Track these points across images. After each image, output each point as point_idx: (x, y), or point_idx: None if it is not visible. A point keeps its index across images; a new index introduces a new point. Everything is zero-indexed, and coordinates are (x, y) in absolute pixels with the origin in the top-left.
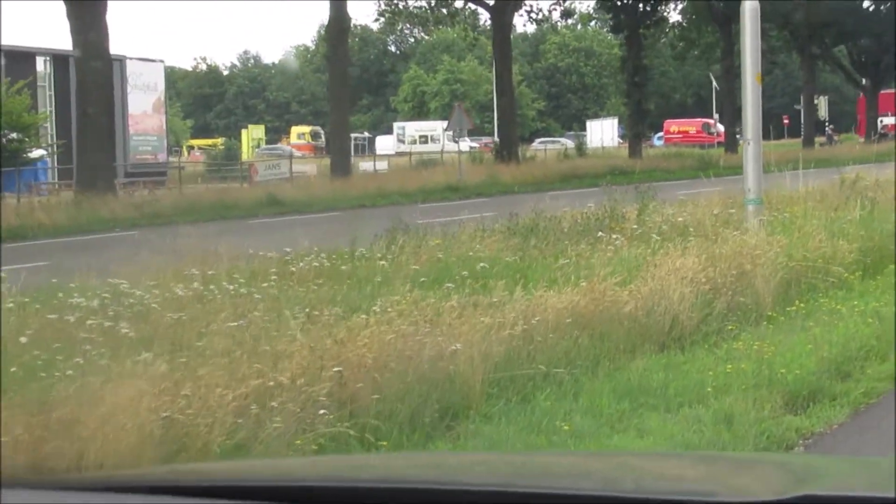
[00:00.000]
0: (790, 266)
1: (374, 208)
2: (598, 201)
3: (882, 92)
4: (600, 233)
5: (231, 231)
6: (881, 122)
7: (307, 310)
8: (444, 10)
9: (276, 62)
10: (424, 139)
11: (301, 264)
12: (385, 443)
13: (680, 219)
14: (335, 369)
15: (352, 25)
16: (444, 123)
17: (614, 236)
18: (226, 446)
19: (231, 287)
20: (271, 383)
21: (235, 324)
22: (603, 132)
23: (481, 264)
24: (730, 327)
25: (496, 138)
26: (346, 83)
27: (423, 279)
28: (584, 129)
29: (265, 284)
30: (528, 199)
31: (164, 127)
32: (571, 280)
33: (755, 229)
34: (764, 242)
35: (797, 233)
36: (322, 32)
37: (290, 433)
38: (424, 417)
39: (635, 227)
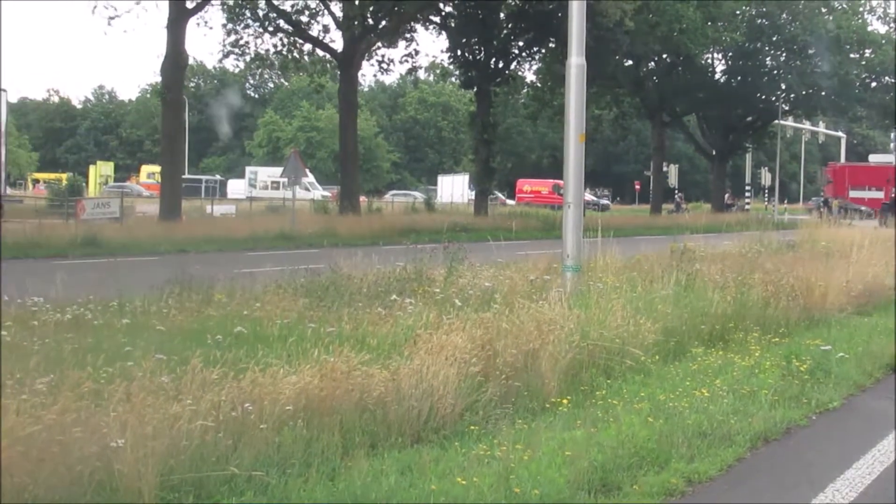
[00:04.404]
0: (583, 346)
1: (196, 254)
2: (418, 259)
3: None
4: (394, 296)
5: (17, 271)
6: (727, 194)
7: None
8: (291, 55)
9: (133, 99)
10: (276, 185)
11: (58, 315)
12: None
13: (487, 284)
14: None
15: (212, 68)
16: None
17: (408, 300)
18: None
19: None
20: None
21: None
22: (454, 187)
23: (238, 328)
24: (472, 421)
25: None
26: (180, 122)
27: (175, 341)
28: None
29: None
30: (356, 253)
31: (2, 159)
32: (315, 355)
33: (554, 300)
34: (561, 317)
35: (596, 308)
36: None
37: None
38: None
39: (437, 290)
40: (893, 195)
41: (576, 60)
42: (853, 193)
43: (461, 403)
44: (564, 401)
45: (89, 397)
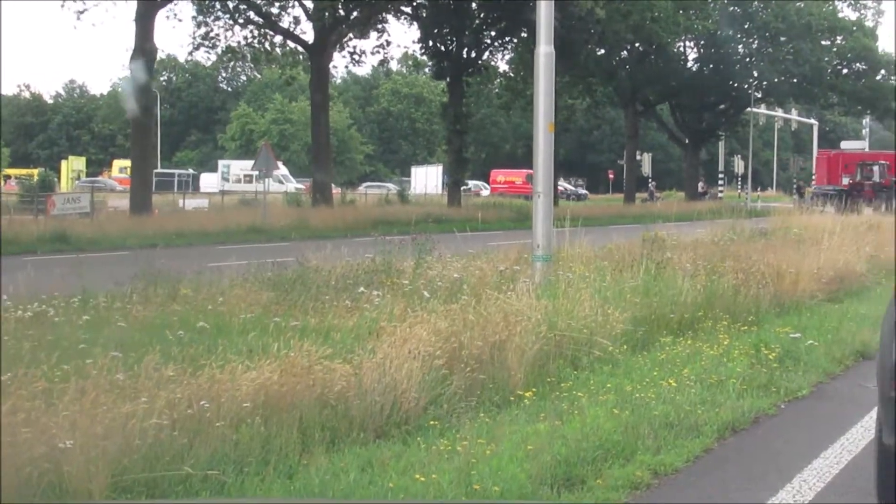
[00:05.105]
0: (550, 336)
1: (166, 248)
2: (387, 251)
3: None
4: (362, 288)
5: None
6: (701, 182)
7: None
8: (262, 47)
9: (104, 93)
10: (249, 178)
11: (19, 312)
12: None
13: (456, 275)
14: None
15: (184, 61)
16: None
17: (375, 293)
18: None
19: None
20: None
21: None
22: (427, 179)
23: (200, 323)
24: (435, 415)
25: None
26: (150, 115)
27: (136, 337)
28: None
29: None
30: (326, 245)
31: None
32: (276, 350)
33: (522, 291)
34: (528, 307)
35: (563, 297)
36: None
37: None
38: None
39: (406, 282)
40: (850, 182)
41: (544, 49)
42: (846, 180)
43: (425, 397)
44: (528, 393)
45: (42, 396)
